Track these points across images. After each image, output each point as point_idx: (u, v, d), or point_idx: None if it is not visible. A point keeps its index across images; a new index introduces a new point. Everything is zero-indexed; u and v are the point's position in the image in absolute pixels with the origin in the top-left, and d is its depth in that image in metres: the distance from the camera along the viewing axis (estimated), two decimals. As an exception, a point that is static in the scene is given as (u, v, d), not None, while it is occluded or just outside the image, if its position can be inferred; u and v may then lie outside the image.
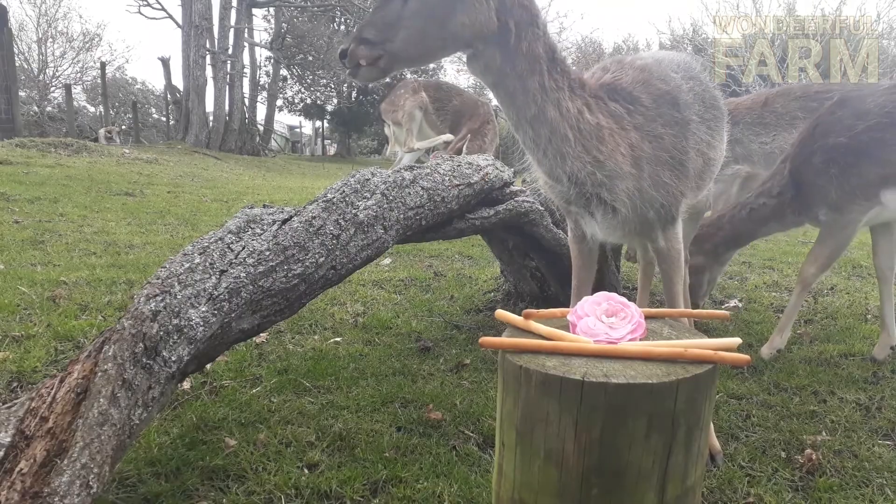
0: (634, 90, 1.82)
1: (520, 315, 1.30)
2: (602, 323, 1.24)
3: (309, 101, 32.07)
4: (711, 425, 2.01)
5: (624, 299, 1.27)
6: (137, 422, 1.50)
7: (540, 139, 1.69)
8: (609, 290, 1.32)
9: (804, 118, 3.77)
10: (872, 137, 2.66)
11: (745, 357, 1.12)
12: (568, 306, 1.48)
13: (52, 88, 28.85)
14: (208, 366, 2.46)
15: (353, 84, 29.08)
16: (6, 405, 1.52)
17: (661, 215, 1.90)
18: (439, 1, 1.54)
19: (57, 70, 29.39)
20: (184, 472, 1.94)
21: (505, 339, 1.20)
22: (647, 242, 2.07)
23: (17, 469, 1.29)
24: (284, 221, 2.04)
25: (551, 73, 1.64)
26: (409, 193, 2.41)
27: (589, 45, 29.63)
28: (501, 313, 1.34)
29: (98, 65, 24.92)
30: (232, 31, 21.21)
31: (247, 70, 24.40)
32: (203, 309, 1.69)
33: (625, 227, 1.88)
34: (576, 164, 1.71)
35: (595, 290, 1.58)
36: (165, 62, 23.46)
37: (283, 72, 29.57)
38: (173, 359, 1.60)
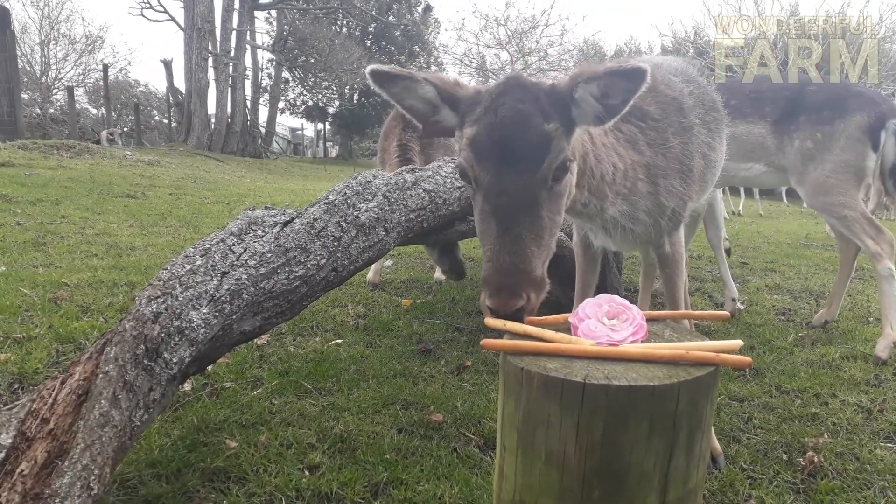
0: (644, 102, 1.81)
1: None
2: (603, 325, 1.23)
3: (311, 103, 32.14)
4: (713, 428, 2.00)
5: (625, 301, 1.27)
6: (138, 423, 1.50)
7: (607, 224, 1.81)
8: (611, 293, 1.32)
9: None
10: None
11: (747, 359, 1.12)
12: (570, 308, 1.48)
13: (55, 90, 28.95)
14: (209, 367, 2.46)
15: (355, 86, 29.14)
16: (7, 406, 1.51)
17: (670, 222, 1.93)
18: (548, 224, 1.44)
19: (59, 72, 29.52)
20: (185, 474, 1.94)
21: (506, 342, 1.20)
22: (652, 248, 2.08)
23: (19, 470, 1.29)
24: (286, 223, 2.04)
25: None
26: (411, 195, 2.41)
27: (591, 48, 29.67)
28: (490, 321, 1.29)
29: (100, 67, 25.04)
30: (234, 33, 21.27)
31: (249, 72, 24.46)
32: (204, 311, 1.69)
33: (636, 239, 1.92)
34: (611, 210, 1.78)
35: (597, 292, 1.58)
36: (168, 64, 23.54)
37: (285, 74, 29.64)
38: (174, 360, 1.60)
